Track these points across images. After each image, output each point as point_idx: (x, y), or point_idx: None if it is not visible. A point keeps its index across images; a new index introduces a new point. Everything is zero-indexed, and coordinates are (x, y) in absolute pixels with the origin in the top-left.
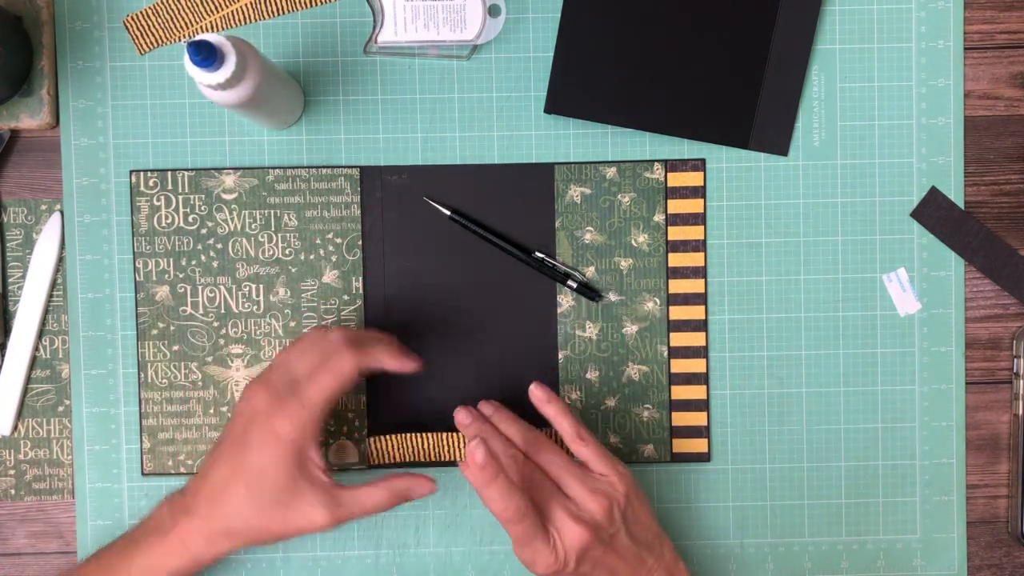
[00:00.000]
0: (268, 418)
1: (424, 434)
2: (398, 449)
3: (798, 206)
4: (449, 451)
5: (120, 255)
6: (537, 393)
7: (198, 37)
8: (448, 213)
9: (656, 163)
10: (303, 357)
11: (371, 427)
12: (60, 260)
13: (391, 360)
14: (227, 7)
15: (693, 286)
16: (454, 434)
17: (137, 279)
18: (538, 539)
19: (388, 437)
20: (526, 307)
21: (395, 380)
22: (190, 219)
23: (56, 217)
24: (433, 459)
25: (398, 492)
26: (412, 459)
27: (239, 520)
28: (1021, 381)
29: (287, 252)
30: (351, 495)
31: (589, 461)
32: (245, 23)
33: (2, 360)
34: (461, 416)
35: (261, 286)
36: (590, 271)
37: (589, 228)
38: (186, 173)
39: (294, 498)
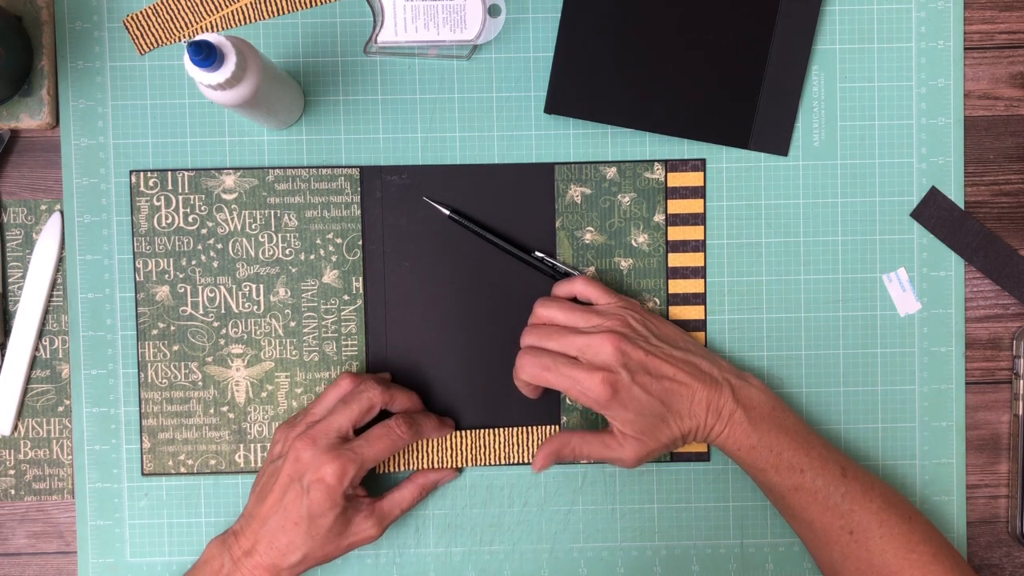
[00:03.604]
0: (317, 470)
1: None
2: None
3: (798, 206)
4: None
5: (120, 255)
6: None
7: (198, 37)
8: (448, 213)
9: (656, 163)
10: (347, 413)
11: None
12: (60, 260)
13: (436, 432)
14: (227, 7)
15: (693, 286)
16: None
17: (137, 279)
18: (596, 440)
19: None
20: (526, 307)
21: (395, 381)
22: (190, 219)
23: (56, 217)
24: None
25: (427, 486)
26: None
27: (299, 554)
28: (1021, 381)
29: (287, 252)
30: (389, 502)
31: (597, 300)
32: (245, 23)
33: (2, 360)
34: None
35: (261, 286)
36: (591, 271)
37: (589, 228)
38: (186, 173)
39: (347, 526)
